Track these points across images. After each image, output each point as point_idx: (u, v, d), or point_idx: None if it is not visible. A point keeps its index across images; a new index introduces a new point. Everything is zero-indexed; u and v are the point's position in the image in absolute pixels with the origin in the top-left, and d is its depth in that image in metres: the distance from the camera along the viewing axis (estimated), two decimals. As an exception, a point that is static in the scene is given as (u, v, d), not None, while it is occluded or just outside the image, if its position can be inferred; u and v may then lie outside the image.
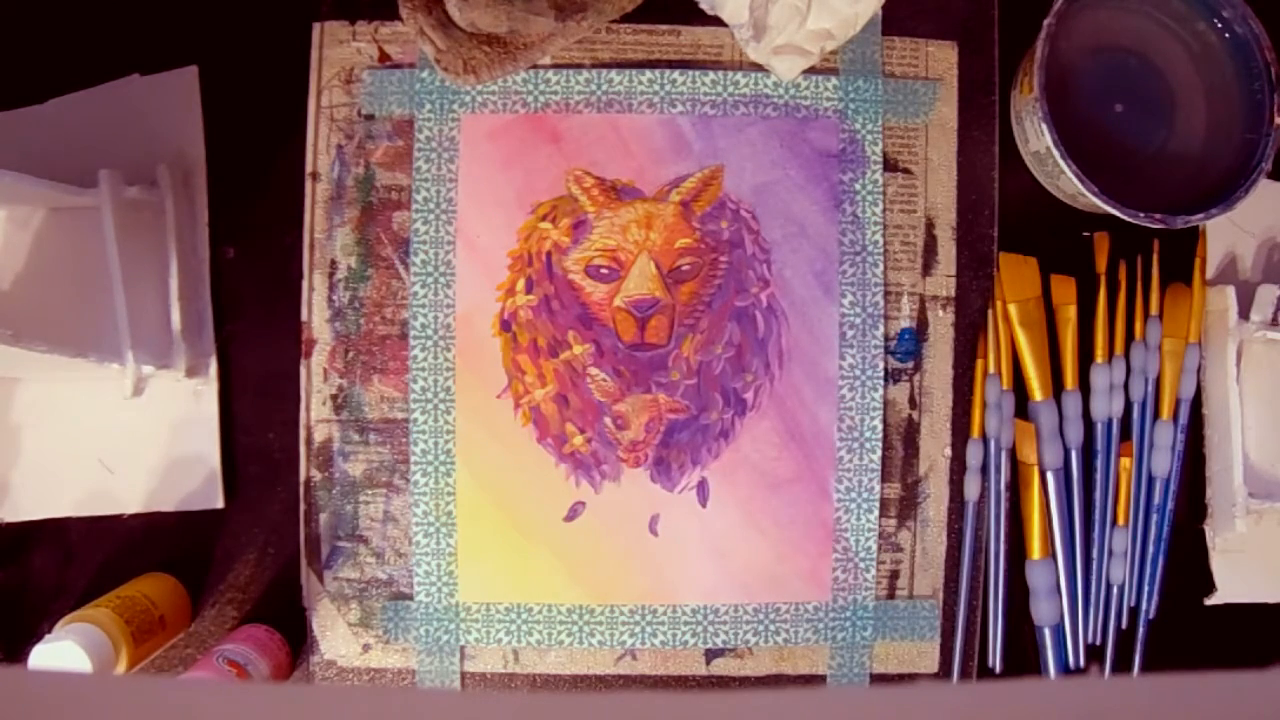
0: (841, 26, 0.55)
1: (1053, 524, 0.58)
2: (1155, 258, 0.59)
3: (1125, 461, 0.59)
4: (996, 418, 0.58)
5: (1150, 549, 0.58)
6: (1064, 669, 0.58)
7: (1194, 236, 0.60)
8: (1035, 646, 0.59)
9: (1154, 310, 0.59)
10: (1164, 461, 0.58)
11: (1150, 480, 0.59)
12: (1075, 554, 0.58)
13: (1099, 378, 0.59)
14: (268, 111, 0.58)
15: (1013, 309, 0.58)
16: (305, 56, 0.58)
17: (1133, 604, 0.59)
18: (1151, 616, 0.58)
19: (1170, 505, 0.58)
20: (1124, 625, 0.59)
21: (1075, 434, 0.58)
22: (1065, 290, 0.59)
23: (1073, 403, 0.58)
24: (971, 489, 0.58)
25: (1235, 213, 0.55)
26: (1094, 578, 0.59)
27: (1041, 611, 0.58)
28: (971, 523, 0.59)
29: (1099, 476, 0.59)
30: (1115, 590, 0.58)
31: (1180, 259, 0.60)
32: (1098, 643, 0.59)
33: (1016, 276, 0.59)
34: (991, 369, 0.58)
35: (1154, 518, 0.58)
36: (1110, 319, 0.59)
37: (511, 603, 0.58)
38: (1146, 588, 0.58)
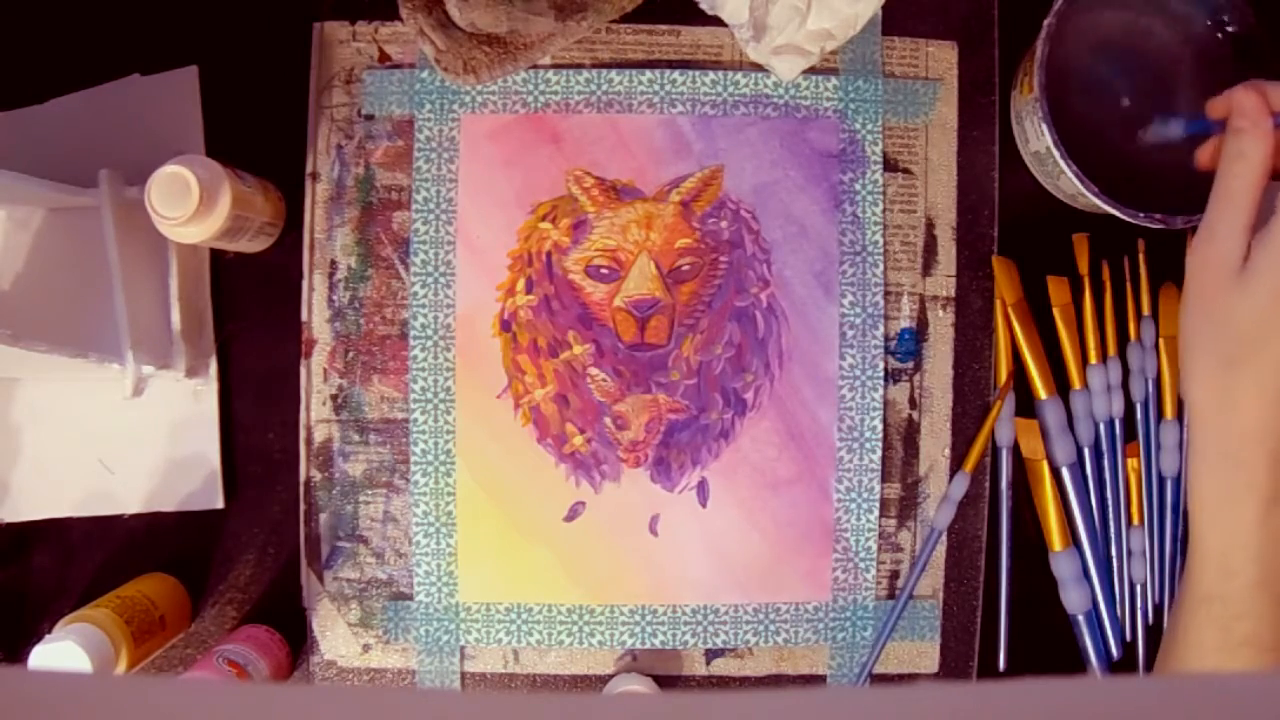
0: (841, 26, 0.55)
1: (1074, 517, 0.59)
2: (1141, 257, 0.59)
3: (1133, 462, 0.59)
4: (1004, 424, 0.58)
5: (1169, 547, 0.59)
6: (1103, 658, 0.59)
7: (1185, 235, 0.60)
8: (1041, 646, 0.59)
9: (1145, 310, 0.59)
10: (1172, 461, 0.59)
11: (1162, 480, 0.59)
12: (1099, 545, 0.59)
13: (1094, 378, 0.59)
14: (268, 111, 0.58)
15: (1011, 310, 0.59)
16: (305, 56, 0.58)
17: (1156, 602, 0.59)
18: None
19: (1183, 505, 0.59)
20: (1150, 622, 0.59)
21: (1086, 431, 0.59)
22: (1062, 290, 0.59)
23: (1082, 401, 0.59)
24: (942, 518, 0.58)
25: (1235, 213, 0.55)
26: (1116, 576, 0.59)
27: (1072, 599, 0.58)
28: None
29: (1108, 476, 0.59)
30: (1139, 588, 0.59)
31: (1176, 258, 0.60)
32: (1129, 639, 0.59)
33: (1008, 279, 0.59)
34: (1003, 375, 0.59)
35: (1169, 516, 0.59)
36: (1100, 319, 0.59)
37: (511, 603, 0.58)
38: (1168, 586, 0.59)
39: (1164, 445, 0.59)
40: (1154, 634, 0.59)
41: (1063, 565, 0.58)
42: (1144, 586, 0.59)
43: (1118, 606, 0.59)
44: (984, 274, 0.59)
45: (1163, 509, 0.59)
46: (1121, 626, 0.59)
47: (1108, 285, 0.59)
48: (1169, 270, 0.60)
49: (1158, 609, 0.59)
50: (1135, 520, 0.59)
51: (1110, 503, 0.59)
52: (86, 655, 0.47)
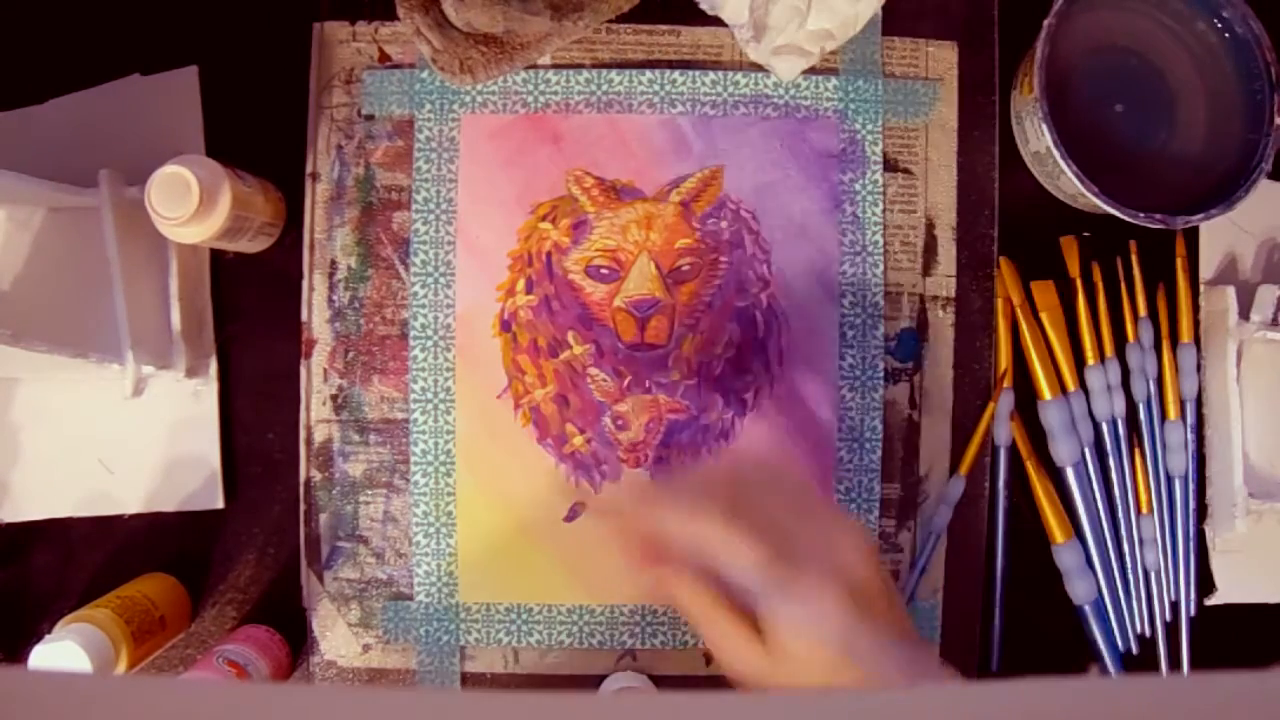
0: (841, 26, 0.55)
1: (1079, 514, 0.59)
2: (1135, 258, 0.59)
3: (1138, 463, 0.59)
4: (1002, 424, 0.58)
5: (1181, 544, 0.59)
6: (1113, 648, 0.59)
7: (1183, 236, 0.60)
8: (1046, 644, 0.59)
9: (1142, 311, 0.59)
10: (1179, 461, 0.59)
11: (1169, 479, 0.59)
12: (1104, 537, 0.59)
13: (1094, 379, 0.59)
14: (268, 111, 0.58)
15: (1018, 311, 0.59)
16: (305, 56, 0.58)
17: (1173, 599, 0.59)
18: (1193, 614, 0.59)
19: (1193, 503, 0.59)
20: (1168, 618, 0.59)
21: (1086, 431, 0.59)
22: (1048, 294, 0.59)
23: (1078, 402, 0.59)
24: (939, 520, 0.58)
25: (1235, 213, 0.55)
26: (1128, 567, 0.59)
27: (1077, 590, 0.58)
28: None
29: (1114, 474, 0.59)
30: (1153, 583, 0.59)
31: (1175, 258, 0.60)
32: (1145, 634, 0.59)
33: (1014, 280, 0.59)
34: (1004, 379, 0.59)
35: (1179, 514, 0.59)
36: (1095, 320, 0.59)
37: (511, 603, 0.58)
38: (1183, 583, 0.59)
39: (1169, 445, 0.59)
40: (1172, 630, 0.59)
41: (1066, 557, 0.58)
42: (1158, 574, 0.59)
43: (1133, 598, 0.59)
44: (984, 274, 0.59)
45: (1171, 506, 0.59)
46: (1137, 619, 0.59)
47: (1099, 286, 0.59)
48: (1169, 270, 0.60)
49: (1174, 606, 0.59)
50: (1144, 509, 0.59)
51: (1118, 495, 0.59)
52: (86, 655, 0.47)
